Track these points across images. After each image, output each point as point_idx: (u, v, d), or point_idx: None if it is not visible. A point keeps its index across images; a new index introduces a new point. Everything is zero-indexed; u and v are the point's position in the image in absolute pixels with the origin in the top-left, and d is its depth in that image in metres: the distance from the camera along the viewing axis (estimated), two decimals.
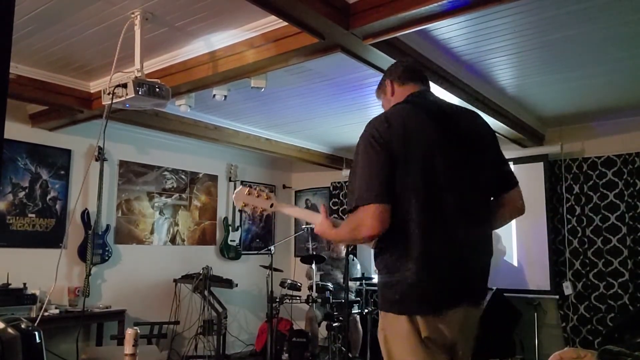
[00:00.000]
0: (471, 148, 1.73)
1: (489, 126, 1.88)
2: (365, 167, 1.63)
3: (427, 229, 1.59)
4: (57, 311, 4.31)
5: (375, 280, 5.56)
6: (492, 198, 1.82)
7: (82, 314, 4.19)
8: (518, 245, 5.09)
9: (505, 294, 4.77)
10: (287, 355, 5.16)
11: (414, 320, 1.58)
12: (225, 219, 6.26)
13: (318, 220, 1.85)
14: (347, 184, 1.58)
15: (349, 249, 5.17)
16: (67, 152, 4.85)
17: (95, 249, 4.81)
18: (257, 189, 2.00)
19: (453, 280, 1.63)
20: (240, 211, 6.43)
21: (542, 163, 5.08)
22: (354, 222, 1.63)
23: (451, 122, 1.74)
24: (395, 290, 1.61)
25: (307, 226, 6.40)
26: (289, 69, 3.31)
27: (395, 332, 1.63)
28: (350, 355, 5.13)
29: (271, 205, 1.98)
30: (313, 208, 6.87)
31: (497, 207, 1.82)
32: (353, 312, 5.09)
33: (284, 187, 7.20)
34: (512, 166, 5.78)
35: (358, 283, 5.36)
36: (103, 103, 2.96)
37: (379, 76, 3.45)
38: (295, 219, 7.18)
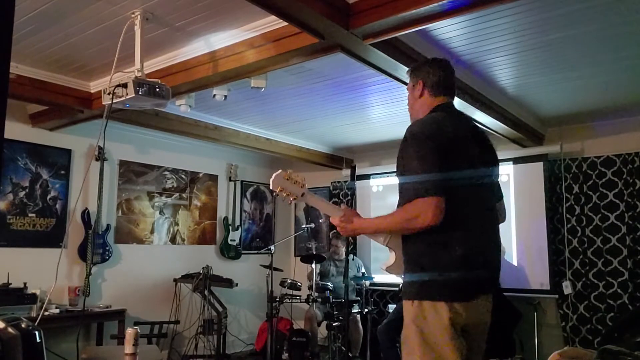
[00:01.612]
0: (490, 157, 1.98)
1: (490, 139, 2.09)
2: (423, 163, 1.76)
3: (469, 224, 1.78)
4: (57, 311, 4.32)
5: (376, 280, 5.58)
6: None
7: (83, 313, 4.19)
8: (518, 245, 5.10)
9: (505, 294, 4.77)
10: (287, 354, 5.16)
11: (451, 306, 1.72)
12: (226, 218, 6.26)
13: (339, 214, 2.00)
14: (399, 179, 1.70)
15: (349, 248, 5.18)
16: (68, 152, 4.85)
17: (95, 248, 4.81)
18: (294, 175, 2.07)
19: (485, 271, 1.81)
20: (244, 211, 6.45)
21: (541, 163, 5.08)
22: (412, 211, 1.74)
23: (477, 133, 1.99)
24: (436, 278, 1.75)
25: (307, 226, 6.40)
26: (289, 68, 3.32)
27: (432, 318, 1.74)
28: (350, 354, 5.13)
29: (302, 195, 2.08)
30: (313, 208, 6.86)
31: None
32: (353, 311, 5.09)
33: None
34: (512, 166, 5.78)
35: (363, 283, 5.34)
36: (103, 103, 2.97)
37: (379, 76, 3.51)
38: (296, 219, 7.20)
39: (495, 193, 2.01)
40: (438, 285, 1.74)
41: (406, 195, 1.79)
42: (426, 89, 2.01)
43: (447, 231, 1.74)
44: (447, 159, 1.75)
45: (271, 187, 2.08)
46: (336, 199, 6.71)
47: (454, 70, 2.09)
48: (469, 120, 2.06)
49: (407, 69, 3.11)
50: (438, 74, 2.01)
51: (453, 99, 2.05)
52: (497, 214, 1.99)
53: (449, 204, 1.72)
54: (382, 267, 2.04)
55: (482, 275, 1.79)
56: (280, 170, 2.07)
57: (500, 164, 2.12)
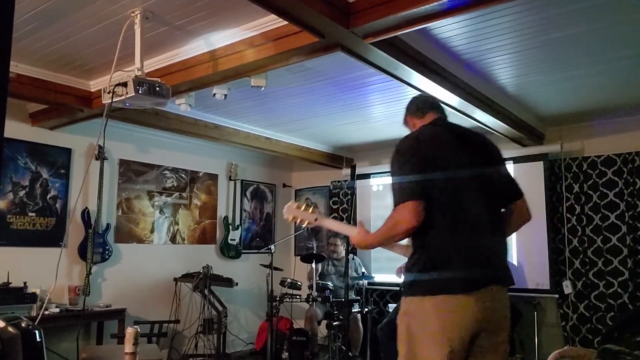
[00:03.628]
0: (485, 161, 2.03)
1: (495, 144, 2.16)
2: (400, 173, 1.91)
3: (457, 225, 1.87)
4: (57, 310, 4.32)
5: (375, 279, 5.59)
6: (502, 207, 2.08)
7: (83, 312, 4.19)
8: (518, 245, 5.10)
9: None
10: (287, 354, 5.16)
11: (436, 300, 1.80)
12: (226, 217, 6.26)
13: (354, 233, 2.09)
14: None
15: (349, 248, 5.18)
16: (68, 151, 4.85)
17: (95, 247, 4.81)
18: (305, 204, 2.24)
19: (478, 267, 1.86)
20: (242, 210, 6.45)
21: (541, 162, 5.08)
22: (393, 219, 1.88)
23: (469, 138, 2.07)
24: (435, 274, 1.83)
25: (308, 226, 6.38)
26: (289, 67, 3.32)
27: (419, 312, 1.83)
28: (350, 354, 5.13)
29: (315, 219, 2.21)
30: (312, 206, 6.86)
31: (508, 215, 2.09)
32: (353, 310, 5.09)
33: (284, 185, 7.20)
34: (512, 165, 5.78)
35: (361, 282, 5.35)
36: (103, 102, 2.96)
37: (379, 75, 3.51)
38: None
39: (501, 194, 2.05)
40: (426, 281, 1.84)
41: (394, 205, 1.91)
42: (414, 118, 2.22)
43: (435, 232, 1.86)
44: (428, 167, 1.87)
45: (284, 217, 2.25)
46: (336, 198, 6.71)
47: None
48: (459, 128, 2.13)
49: (407, 67, 3.14)
50: (415, 102, 2.25)
51: (443, 114, 2.20)
52: (499, 214, 2.03)
53: (434, 206, 1.84)
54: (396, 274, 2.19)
55: (475, 272, 1.83)
56: (291, 201, 2.25)
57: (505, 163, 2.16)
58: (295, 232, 6.84)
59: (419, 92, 3.67)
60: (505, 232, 2.06)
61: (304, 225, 2.22)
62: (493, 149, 2.11)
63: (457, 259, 1.84)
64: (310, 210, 2.21)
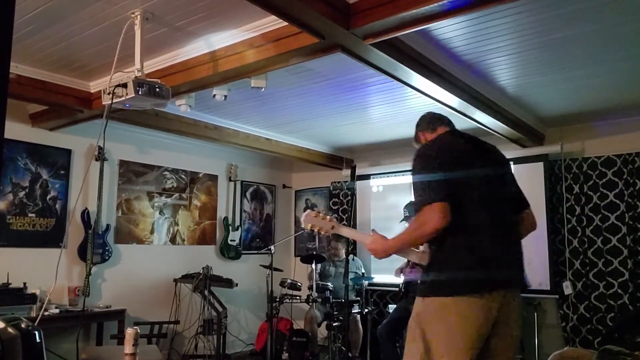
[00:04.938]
0: (498, 168, 2.11)
1: (504, 155, 2.26)
2: (424, 174, 1.95)
3: (477, 228, 1.91)
4: (57, 311, 4.32)
5: (375, 280, 5.58)
6: (515, 214, 2.15)
7: (82, 313, 4.19)
8: None
9: None
10: (287, 354, 5.16)
11: (455, 301, 1.83)
12: (225, 218, 6.26)
13: (369, 240, 2.12)
14: (414, 198, 2.03)
15: (349, 249, 5.18)
16: (67, 152, 4.85)
17: (95, 248, 4.81)
18: (322, 212, 2.31)
19: (494, 270, 1.90)
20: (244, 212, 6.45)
21: (542, 163, 5.08)
22: (421, 219, 1.90)
23: (483, 147, 2.16)
24: (445, 277, 1.88)
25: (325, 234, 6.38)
26: (289, 68, 3.31)
27: (435, 312, 1.87)
28: (350, 354, 5.13)
29: (332, 227, 2.27)
30: (313, 208, 6.87)
31: (519, 223, 2.16)
32: (353, 311, 5.09)
33: (284, 186, 7.20)
34: (512, 166, 5.80)
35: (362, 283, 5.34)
36: (103, 103, 2.96)
37: (379, 76, 3.51)
38: (296, 219, 7.20)
39: (513, 202, 2.14)
40: (445, 282, 1.88)
41: (417, 208, 1.95)
42: (425, 133, 2.29)
43: (455, 235, 1.89)
44: (450, 171, 1.93)
45: (302, 226, 2.31)
46: (336, 199, 6.71)
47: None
48: (474, 138, 2.20)
49: (407, 68, 3.14)
50: (425, 118, 2.33)
51: (453, 127, 2.28)
52: (513, 220, 2.10)
53: (456, 209, 1.87)
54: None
55: (494, 273, 1.88)
56: (309, 210, 2.32)
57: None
58: (295, 234, 6.85)
59: (422, 94, 3.68)
60: (520, 237, 2.15)
61: (322, 234, 2.29)
62: (504, 159, 2.22)
63: (478, 261, 1.88)
64: (328, 218, 2.28)
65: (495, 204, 1.98)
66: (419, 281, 2.07)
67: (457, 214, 1.87)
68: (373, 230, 2.21)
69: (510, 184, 2.17)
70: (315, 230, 2.27)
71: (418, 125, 2.36)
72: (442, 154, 2.01)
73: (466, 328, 1.81)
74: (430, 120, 2.31)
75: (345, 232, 2.36)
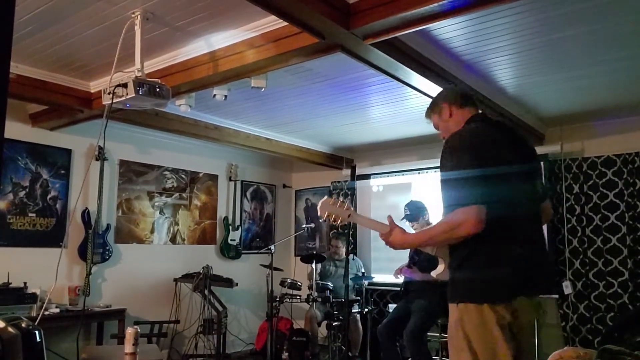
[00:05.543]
0: (531, 162, 2.01)
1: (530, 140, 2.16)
2: (462, 174, 1.81)
3: (512, 229, 1.82)
4: (57, 310, 4.32)
5: (376, 280, 5.58)
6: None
7: (83, 313, 4.19)
8: None
9: None
10: (287, 354, 5.17)
11: (494, 308, 1.76)
12: (226, 218, 6.26)
13: (386, 229, 2.03)
14: (442, 191, 1.89)
15: (349, 248, 5.18)
16: (68, 152, 4.85)
17: (95, 248, 4.81)
18: (340, 200, 2.17)
19: (529, 272, 1.83)
20: (307, 220, 6.45)
21: (542, 162, 5.07)
22: (454, 221, 1.79)
23: (514, 136, 2.03)
24: (479, 281, 1.81)
25: (307, 226, 6.39)
26: (289, 68, 3.31)
27: (475, 319, 1.79)
28: (350, 354, 5.13)
29: (348, 216, 2.15)
30: (313, 207, 6.87)
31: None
32: (353, 311, 5.09)
33: (284, 186, 7.20)
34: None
35: (364, 282, 5.34)
36: (103, 103, 2.96)
37: (379, 76, 3.51)
38: (296, 219, 7.20)
39: (539, 194, 2.05)
40: (481, 288, 1.80)
41: (448, 205, 1.86)
42: (453, 106, 2.11)
43: (489, 237, 1.78)
44: (486, 168, 1.80)
45: (319, 214, 2.17)
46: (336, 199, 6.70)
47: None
48: (506, 126, 2.10)
49: (407, 68, 3.14)
50: (455, 91, 2.18)
51: (478, 109, 2.13)
52: (540, 216, 2.03)
53: (491, 210, 1.76)
54: (433, 275, 2.08)
55: (526, 277, 1.82)
56: (326, 197, 2.21)
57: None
58: (295, 233, 6.85)
59: (423, 93, 3.66)
60: (543, 236, 2.07)
61: (337, 223, 2.17)
62: (534, 150, 2.10)
63: (513, 266, 1.80)
64: (346, 206, 2.15)
65: (528, 203, 1.92)
66: (447, 282, 1.96)
67: (492, 214, 1.76)
68: (389, 216, 2.09)
69: (539, 177, 2.10)
70: (331, 219, 2.15)
71: (445, 96, 2.16)
72: (477, 148, 1.86)
73: (505, 337, 1.77)
74: (461, 95, 2.13)
75: (361, 220, 2.27)
